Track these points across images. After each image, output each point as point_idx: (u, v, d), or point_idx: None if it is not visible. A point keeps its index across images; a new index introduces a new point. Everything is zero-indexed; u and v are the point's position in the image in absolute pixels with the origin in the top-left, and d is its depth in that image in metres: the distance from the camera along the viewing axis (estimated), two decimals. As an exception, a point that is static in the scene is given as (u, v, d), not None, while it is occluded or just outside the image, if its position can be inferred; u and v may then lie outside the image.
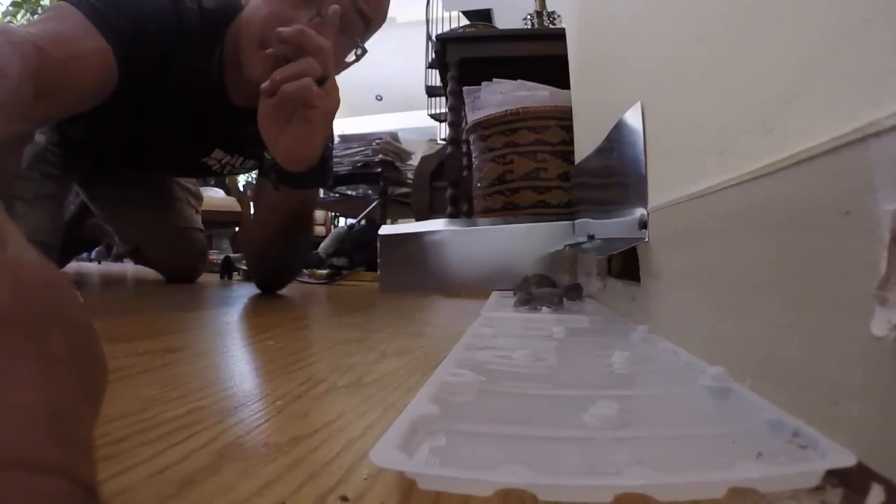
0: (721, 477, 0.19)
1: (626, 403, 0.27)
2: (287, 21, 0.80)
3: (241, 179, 3.60)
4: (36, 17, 3.05)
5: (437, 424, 0.24)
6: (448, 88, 1.90)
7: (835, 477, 0.20)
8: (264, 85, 0.78)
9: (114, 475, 0.22)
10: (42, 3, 3.23)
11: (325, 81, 0.79)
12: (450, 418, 0.25)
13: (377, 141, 2.91)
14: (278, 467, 0.23)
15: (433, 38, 4.58)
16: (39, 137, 1.07)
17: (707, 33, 0.41)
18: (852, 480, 0.20)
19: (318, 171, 0.90)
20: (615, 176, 0.74)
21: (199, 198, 1.58)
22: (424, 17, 4.80)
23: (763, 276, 0.30)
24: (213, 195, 3.02)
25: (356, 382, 0.39)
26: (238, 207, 3.06)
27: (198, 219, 1.52)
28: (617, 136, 0.72)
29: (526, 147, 1.43)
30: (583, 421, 0.25)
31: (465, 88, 1.70)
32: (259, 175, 1.08)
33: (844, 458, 0.20)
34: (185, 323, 0.69)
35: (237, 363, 0.48)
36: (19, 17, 3.19)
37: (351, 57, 0.92)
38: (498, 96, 1.52)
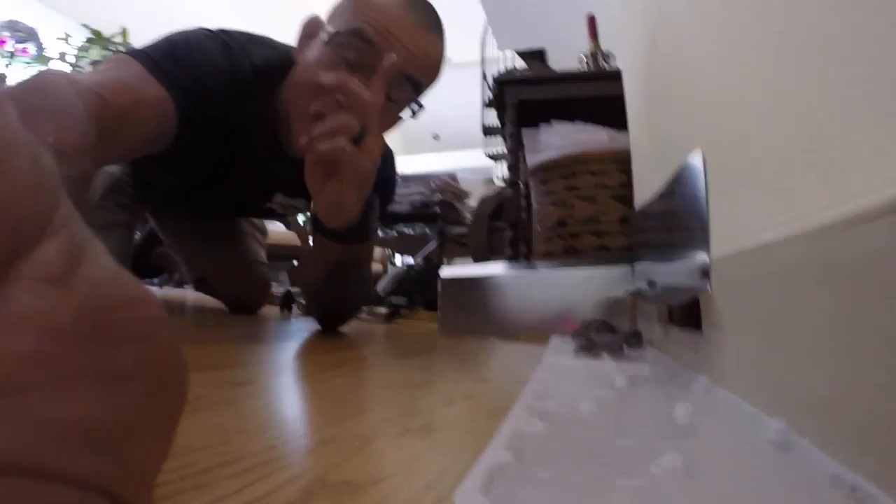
0: None
1: (690, 455, 0.28)
2: (341, 83, 0.83)
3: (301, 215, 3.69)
4: (100, 64, 3.22)
5: (512, 470, 0.25)
6: (506, 130, 1.93)
7: None
8: (302, 142, 0.81)
9: None
10: (114, 40, 3.40)
11: (362, 138, 0.81)
12: (523, 465, 0.26)
13: (436, 181, 2.97)
14: None
15: (488, 78, 4.66)
16: (114, 168, 1.15)
17: (773, 79, 0.43)
18: None
19: (357, 228, 0.90)
20: (677, 223, 0.74)
21: (265, 232, 1.64)
22: (479, 57, 4.89)
23: (828, 329, 0.31)
24: (273, 228, 3.11)
25: (427, 426, 0.40)
26: (297, 241, 3.15)
27: (263, 253, 1.59)
28: (678, 182, 0.73)
29: (586, 190, 1.44)
30: (649, 471, 0.27)
31: (524, 131, 1.72)
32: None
33: None
34: (251, 356, 0.72)
35: (309, 399, 0.50)
36: (92, 52, 3.36)
37: (407, 113, 0.95)
38: (557, 139, 1.54)
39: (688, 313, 0.64)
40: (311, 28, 0.92)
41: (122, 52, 0.84)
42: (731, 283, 0.51)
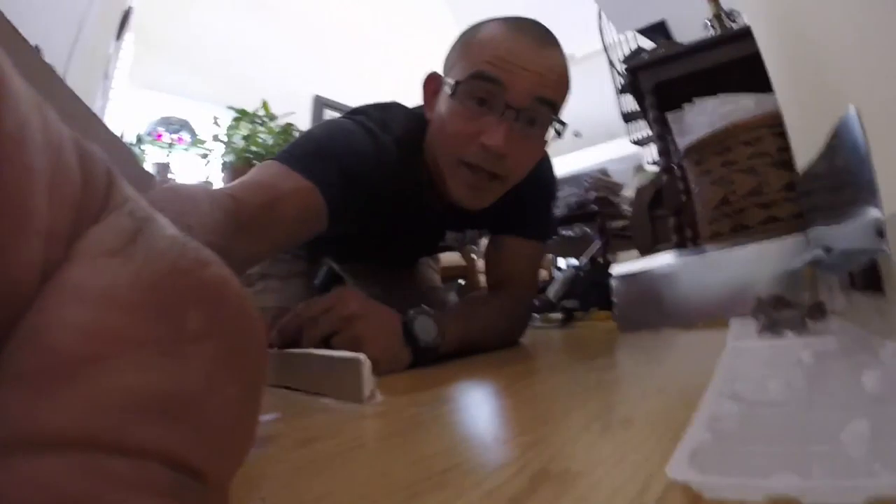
0: None
1: (877, 421, 0.31)
2: (474, 134, 0.88)
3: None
4: (259, 129, 3.49)
5: (714, 448, 0.30)
6: (650, 117, 1.91)
7: None
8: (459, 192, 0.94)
9: (446, 500, 0.28)
10: (258, 113, 3.71)
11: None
12: (721, 442, 0.31)
13: (588, 179, 2.97)
14: (584, 488, 0.29)
15: (616, 63, 4.57)
16: None
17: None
18: None
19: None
20: (843, 184, 0.73)
21: (438, 259, 1.74)
22: (602, 45, 4.80)
23: None
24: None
25: (627, 419, 0.43)
26: (463, 262, 3.26)
27: (438, 278, 1.68)
28: (837, 142, 0.71)
29: (744, 163, 1.40)
30: (839, 438, 0.30)
31: (668, 115, 1.71)
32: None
33: None
34: (441, 377, 0.76)
35: (514, 408, 0.55)
36: (241, 128, 3.66)
37: (551, 134, 0.97)
38: (703, 117, 1.51)
39: (868, 277, 0.63)
40: (434, 84, 0.96)
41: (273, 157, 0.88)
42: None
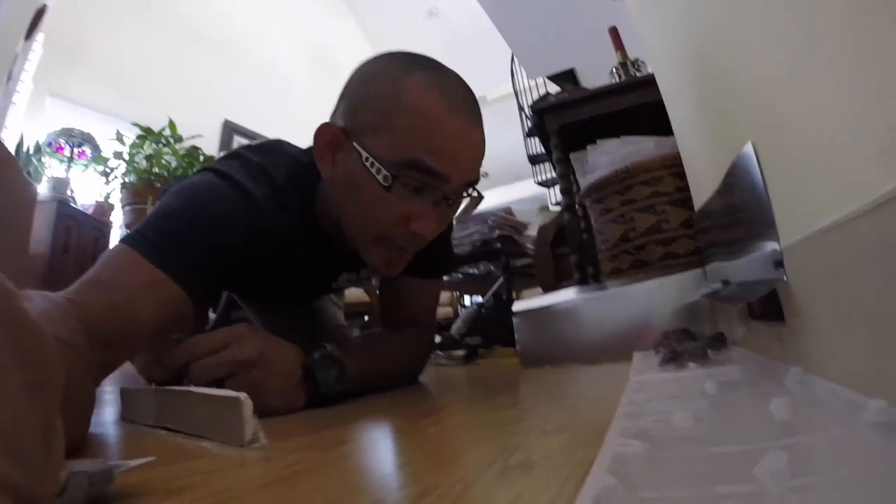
0: None
1: (792, 452, 0.28)
2: (403, 219, 0.82)
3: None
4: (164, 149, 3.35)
5: (618, 494, 0.26)
6: (554, 157, 1.94)
7: None
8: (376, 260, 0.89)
9: None
10: (164, 133, 3.58)
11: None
12: (628, 488, 0.27)
13: (492, 218, 2.99)
14: None
15: (525, 108, 4.71)
16: None
17: (819, 67, 0.43)
18: None
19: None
20: (740, 218, 0.74)
21: (342, 295, 1.67)
22: (512, 90, 4.95)
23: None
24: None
25: (525, 461, 0.40)
26: (367, 298, 3.20)
27: (342, 315, 1.61)
28: (734, 178, 0.72)
29: (643, 202, 1.43)
30: (753, 475, 0.27)
31: (571, 155, 1.73)
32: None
33: None
34: (339, 416, 0.73)
35: (406, 451, 0.51)
36: (145, 146, 3.52)
37: (466, 202, 0.92)
38: (605, 157, 1.54)
39: (767, 306, 0.62)
40: (330, 137, 0.84)
41: (123, 240, 0.77)
42: (807, 268, 0.51)
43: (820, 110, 0.43)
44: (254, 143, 1.00)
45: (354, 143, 0.81)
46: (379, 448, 0.54)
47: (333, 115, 0.87)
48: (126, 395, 0.76)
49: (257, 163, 0.90)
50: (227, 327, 0.76)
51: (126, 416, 0.74)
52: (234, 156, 0.93)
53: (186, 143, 3.65)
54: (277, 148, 0.97)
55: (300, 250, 0.95)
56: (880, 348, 0.36)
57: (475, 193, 0.90)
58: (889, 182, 0.31)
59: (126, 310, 0.68)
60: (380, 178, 0.79)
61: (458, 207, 0.90)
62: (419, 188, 0.81)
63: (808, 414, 0.38)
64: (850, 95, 0.37)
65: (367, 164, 0.80)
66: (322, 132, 0.85)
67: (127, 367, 0.86)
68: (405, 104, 0.79)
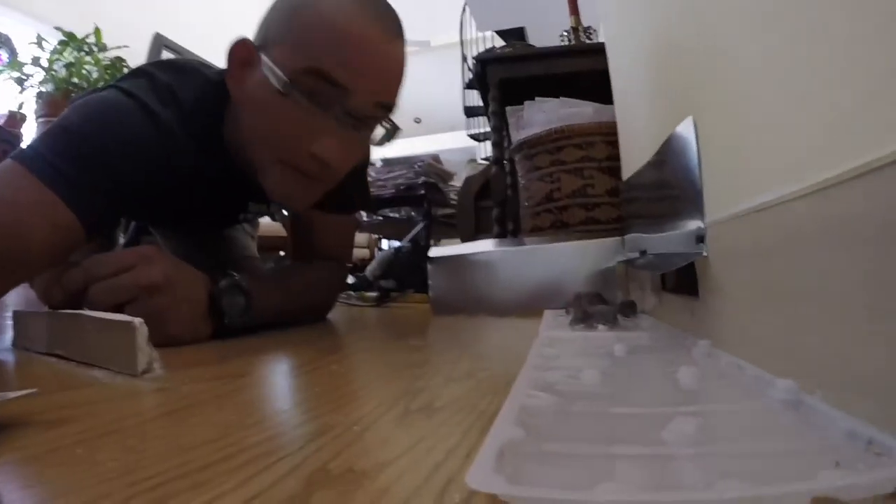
0: (804, 488, 0.20)
1: (700, 420, 0.28)
2: (303, 138, 0.75)
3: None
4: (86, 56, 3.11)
5: (524, 446, 0.25)
6: (490, 109, 1.93)
7: None
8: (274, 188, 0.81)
9: (205, 503, 0.23)
10: (87, 40, 3.33)
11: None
12: (534, 440, 0.26)
13: (419, 163, 2.95)
14: (370, 494, 0.23)
15: (468, 59, 4.65)
16: None
17: (766, 46, 0.42)
18: None
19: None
20: (668, 191, 0.74)
21: (255, 224, 1.61)
22: (459, 39, 4.87)
23: (832, 287, 0.31)
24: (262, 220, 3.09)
25: (428, 406, 0.39)
26: (283, 232, 3.11)
27: (254, 246, 1.55)
28: (668, 151, 0.72)
29: (573, 164, 1.43)
30: (661, 438, 0.26)
31: (508, 109, 1.72)
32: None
33: None
34: (245, 347, 0.71)
35: (306, 388, 0.49)
36: (66, 53, 3.27)
37: (382, 137, 0.84)
38: (542, 115, 1.53)
39: (681, 279, 0.63)
40: (245, 53, 0.78)
41: (15, 157, 0.70)
42: (729, 246, 0.51)
43: (764, 91, 0.42)
44: (164, 60, 0.92)
45: (262, 56, 0.75)
46: (279, 383, 0.52)
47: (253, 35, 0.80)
48: (19, 320, 0.71)
49: (165, 82, 0.82)
50: (133, 248, 0.71)
51: (18, 342, 0.69)
52: (141, 73, 0.85)
53: (111, 54, 3.38)
54: (188, 67, 0.89)
55: (205, 179, 0.88)
56: (793, 330, 0.36)
57: (388, 125, 0.82)
58: (830, 167, 0.31)
59: (14, 230, 0.63)
60: (279, 86, 0.73)
61: (368, 133, 0.82)
62: (320, 101, 0.74)
63: (716, 385, 0.38)
64: (796, 79, 0.36)
65: (269, 73, 0.73)
66: (235, 49, 0.78)
67: (31, 293, 0.79)
68: (315, 11, 0.74)
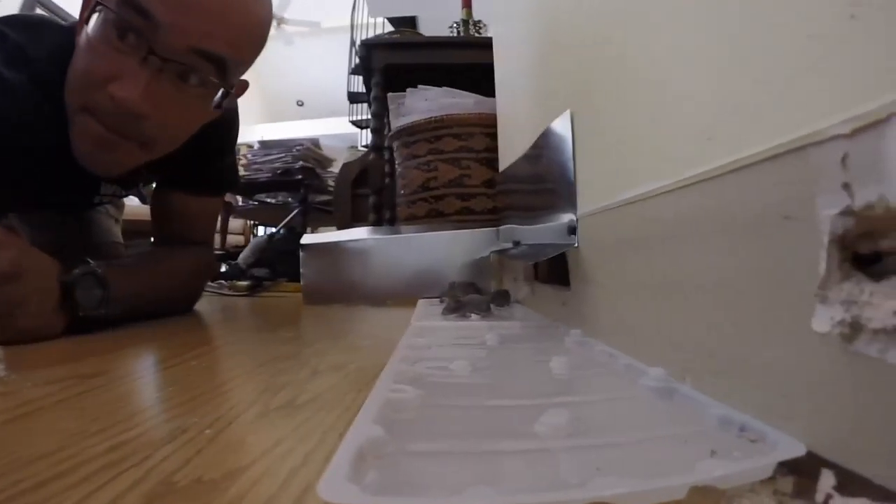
0: (683, 480, 0.19)
1: (573, 410, 0.27)
2: (106, 78, 0.66)
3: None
4: None
5: (386, 447, 0.22)
6: (372, 94, 1.89)
7: (785, 466, 0.21)
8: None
9: None
10: None
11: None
12: (397, 439, 0.23)
13: (298, 147, 2.86)
14: None
15: (357, 44, 4.56)
16: None
17: (645, 41, 0.42)
18: (802, 469, 0.21)
19: None
20: (543, 183, 0.75)
21: (120, 207, 1.47)
22: (349, 23, 4.77)
23: (702, 277, 0.31)
24: (127, 203, 2.87)
25: (290, 403, 0.37)
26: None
27: (118, 230, 1.42)
28: (545, 144, 0.72)
29: (450, 154, 1.43)
30: (534, 431, 0.25)
31: (389, 95, 1.69)
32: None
33: (795, 449, 0.21)
34: (103, 344, 0.65)
35: (161, 388, 0.45)
36: None
37: (213, 99, 0.75)
38: (423, 103, 1.52)
39: (553, 270, 0.64)
40: (88, 2, 0.68)
41: None
42: (600, 237, 0.51)
43: (642, 88, 0.42)
44: (16, 15, 0.81)
45: None
46: (132, 383, 0.47)
47: None
48: None
49: (15, 41, 0.73)
50: None
51: None
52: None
53: None
54: (42, 24, 0.79)
55: (55, 151, 0.76)
56: (660, 319, 0.36)
57: (215, 81, 0.72)
58: (701, 163, 0.31)
59: None
60: (87, 15, 0.66)
61: (194, 88, 0.71)
62: (125, 35, 0.65)
63: (589, 374, 0.37)
64: (674, 77, 0.36)
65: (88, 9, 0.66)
66: (84, 2, 0.68)
67: None
68: None
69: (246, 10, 0.69)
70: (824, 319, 0.21)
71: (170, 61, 0.66)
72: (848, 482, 0.19)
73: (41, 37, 0.75)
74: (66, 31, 0.76)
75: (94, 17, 0.66)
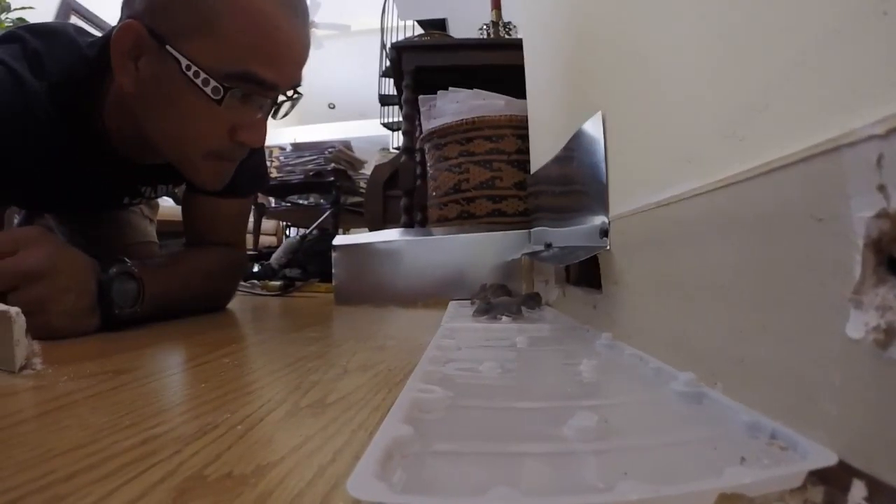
0: (712, 485, 0.19)
1: (602, 413, 0.27)
2: (229, 128, 0.75)
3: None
4: None
5: (413, 446, 0.23)
6: (403, 97, 1.90)
7: (815, 475, 0.21)
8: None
9: None
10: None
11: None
12: (425, 439, 0.24)
13: (330, 149, 2.88)
14: (246, 502, 0.22)
15: (388, 46, 4.59)
16: None
17: (675, 42, 0.42)
18: (832, 478, 0.21)
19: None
20: (574, 185, 0.74)
21: (155, 207, 1.51)
22: (379, 26, 4.80)
23: (733, 280, 0.31)
24: (162, 203, 2.93)
25: (320, 402, 0.37)
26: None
27: (153, 230, 1.45)
28: (576, 146, 0.72)
29: (482, 156, 1.43)
30: (562, 434, 0.25)
31: (420, 97, 1.69)
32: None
33: (826, 458, 0.21)
34: (135, 340, 0.66)
35: (192, 384, 0.46)
36: None
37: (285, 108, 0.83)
38: (454, 105, 1.52)
39: (585, 273, 0.63)
40: (133, 39, 0.70)
41: None
42: (631, 240, 0.51)
43: (671, 89, 0.42)
44: (37, 24, 0.84)
45: (170, 49, 0.68)
46: (164, 379, 0.48)
47: (131, 11, 0.71)
48: None
49: (35, 49, 0.76)
50: (17, 228, 0.64)
51: None
52: (12, 37, 0.78)
53: (14, 15, 3.13)
54: (60, 33, 0.81)
55: (76, 160, 0.81)
56: (691, 322, 0.36)
57: (292, 100, 0.82)
58: (732, 164, 0.31)
59: None
60: (208, 90, 0.69)
61: (279, 109, 0.82)
62: (253, 101, 0.74)
63: (617, 378, 0.37)
64: (702, 78, 0.36)
65: (190, 73, 0.69)
66: (123, 35, 0.69)
67: None
68: (236, 5, 0.68)
69: (308, 41, 0.78)
70: (858, 325, 0.21)
71: (279, 103, 0.78)
72: (879, 493, 0.19)
73: (57, 48, 0.79)
74: (82, 49, 0.79)
75: (200, 87, 0.70)
